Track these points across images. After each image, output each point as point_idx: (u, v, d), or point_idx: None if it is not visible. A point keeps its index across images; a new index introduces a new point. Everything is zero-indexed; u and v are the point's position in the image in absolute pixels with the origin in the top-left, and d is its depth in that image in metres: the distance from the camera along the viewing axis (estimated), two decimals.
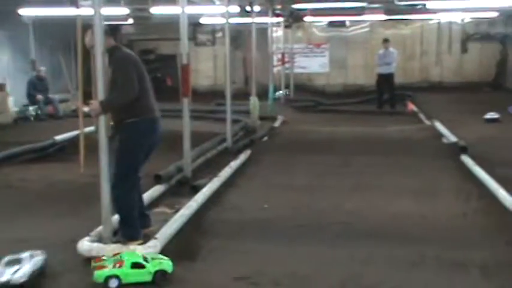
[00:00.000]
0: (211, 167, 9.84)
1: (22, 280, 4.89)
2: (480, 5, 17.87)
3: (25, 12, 17.16)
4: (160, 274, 5.08)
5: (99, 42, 5.54)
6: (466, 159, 10.00)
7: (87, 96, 6.23)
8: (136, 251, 5.48)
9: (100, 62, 5.56)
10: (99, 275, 4.97)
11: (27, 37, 18.26)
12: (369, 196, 8.09)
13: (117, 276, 4.96)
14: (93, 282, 5.01)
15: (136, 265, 5.04)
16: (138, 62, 6.12)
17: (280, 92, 20.74)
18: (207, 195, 7.86)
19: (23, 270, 4.97)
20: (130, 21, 21.03)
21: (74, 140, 10.69)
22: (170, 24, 14.93)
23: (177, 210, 7.07)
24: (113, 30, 6.09)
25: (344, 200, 7.92)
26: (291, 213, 7.32)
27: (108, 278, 4.95)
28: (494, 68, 24.01)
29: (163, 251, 5.68)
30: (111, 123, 5.99)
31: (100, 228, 5.86)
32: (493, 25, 23.94)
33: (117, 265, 5.02)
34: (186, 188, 8.45)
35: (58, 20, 16.82)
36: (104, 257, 5.25)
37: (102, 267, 5.03)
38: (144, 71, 6.13)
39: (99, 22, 5.54)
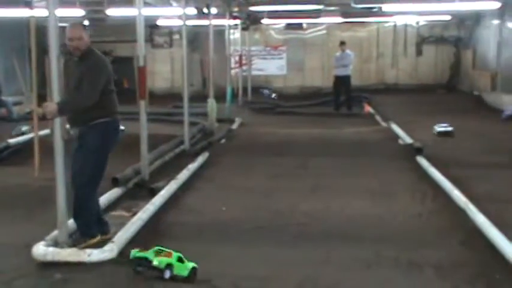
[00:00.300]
0: (169, 170, 9.78)
1: None
2: (434, 9, 18.15)
3: None
4: (194, 271, 5.26)
5: (53, 44, 5.46)
6: (422, 161, 10.14)
7: (42, 99, 6.14)
8: (92, 255, 5.44)
9: (55, 64, 5.48)
10: (161, 261, 5.07)
11: None
12: (326, 197, 8.14)
13: (172, 266, 5.11)
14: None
15: (180, 259, 5.21)
16: (109, 64, 6.13)
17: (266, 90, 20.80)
18: (165, 198, 7.82)
19: None
20: (86, 23, 20.79)
21: (28, 143, 10.54)
22: (127, 26, 14.81)
23: (134, 214, 7.01)
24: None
25: (302, 201, 7.96)
26: (249, 215, 7.32)
27: (168, 265, 5.09)
28: (448, 71, 24.41)
29: (121, 255, 5.63)
30: (69, 125, 6.00)
31: (56, 232, 5.78)
32: (447, 28, 24.34)
33: (167, 256, 5.16)
34: (143, 191, 8.38)
35: (11, 21, 16.54)
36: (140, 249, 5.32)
37: (167, 254, 5.17)
38: (112, 77, 6.14)
39: (54, 23, 5.47)
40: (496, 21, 19.55)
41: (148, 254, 5.16)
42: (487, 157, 10.79)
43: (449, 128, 13.39)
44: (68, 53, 6.03)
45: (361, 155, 11.28)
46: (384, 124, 15.50)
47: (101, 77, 5.89)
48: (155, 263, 5.06)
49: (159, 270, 5.05)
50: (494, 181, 8.99)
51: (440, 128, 13.51)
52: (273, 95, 22.15)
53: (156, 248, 5.26)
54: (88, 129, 5.98)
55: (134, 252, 5.26)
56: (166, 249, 5.24)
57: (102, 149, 6.07)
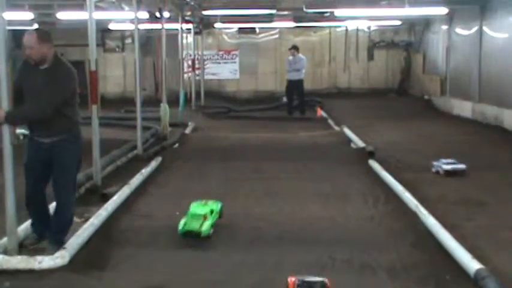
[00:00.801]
0: (121, 175, 9.70)
1: None
2: (385, 14, 18.39)
3: None
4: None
5: (1, 48, 5.37)
6: (374, 164, 10.25)
7: None
8: (43, 262, 5.38)
9: (3, 69, 5.39)
10: (207, 229, 6.44)
11: None
12: (280, 201, 8.17)
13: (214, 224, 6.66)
14: None
15: (211, 211, 6.75)
16: (76, 79, 5.94)
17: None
18: (118, 204, 7.75)
19: None
20: (36, 26, 20.50)
21: None
22: (78, 30, 14.66)
23: (86, 220, 6.93)
24: (52, 39, 5.89)
25: (255, 205, 7.97)
26: None
27: (212, 227, 6.57)
28: (399, 75, 24.76)
29: (72, 261, 5.56)
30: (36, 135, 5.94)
31: (5, 239, 5.67)
32: (398, 33, 24.71)
33: (206, 219, 6.53)
34: (95, 196, 8.29)
35: None
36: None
37: (205, 217, 6.54)
38: (77, 88, 5.99)
39: (2, 27, 5.38)
40: (444, 27, 19.91)
41: (193, 224, 6.38)
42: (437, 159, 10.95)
43: (460, 166, 9.74)
44: (32, 60, 5.81)
45: (315, 158, 11.34)
46: (336, 128, 15.63)
47: (64, 91, 5.76)
48: (204, 234, 6.33)
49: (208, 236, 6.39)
50: (444, 184, 9.15)
51: (446, 165, 9.74)
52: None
53: (191, 212, 6.55)
54: (61, 143, 5.91)
55: (181, 229, 6.41)
56: (201, 212, 6.51)
57: (78, 162, 6.16)
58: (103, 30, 22.06)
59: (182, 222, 6.49)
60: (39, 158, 5.91)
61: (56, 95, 5.65)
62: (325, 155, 11.72)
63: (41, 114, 5.65)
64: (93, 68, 8.78)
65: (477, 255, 5.53)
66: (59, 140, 5.87)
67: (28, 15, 16.81)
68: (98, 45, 9.60)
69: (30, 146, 6.01)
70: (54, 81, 5.66)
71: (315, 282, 4.82)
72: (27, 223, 6.31)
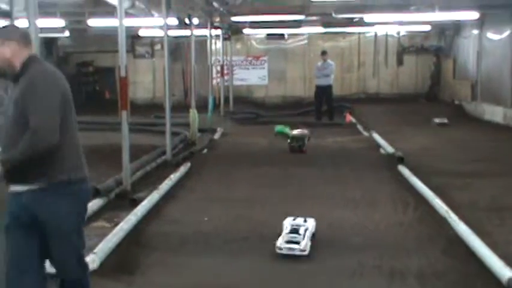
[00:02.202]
0: (151, 180, 9.76)
1: None
2: (415, 19, 18.28)
3: None
4: None
5: None
6: (403, 170, 10.19)
7: None
8: None
9: None
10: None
11: None
12: (310, 207, 8.14)
13: None
14: None
15: None
16: (67, 88, 4.02)
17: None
18: (147, 209, 7.79)
19: None
20: (67, 33, 20.75)
21: None
22: (108, 37, 14.80)
23: (116, 224, 6.98)
24: (25, 37, 4.07)
25: (285, 211, 7.95)
26: (231, 226, 7.31)
27: None
28: (429, 80, 24.57)
29: (102, 266, 5.60)
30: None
31: None
32: (427, 38, 24.52)
33: None
34: (125, 201, 8.35)
35: None
36: None
37: None
38: (72, 105, 4.06)
39: (35, 35, 5.45)
40: (475, 31, 19.73)
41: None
42: (468, 166, 10.86)
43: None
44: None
45: (343, 164, 11.31)
46: (365, 133, 15.56)
47: (53, 95, 3.84)
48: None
49: None
50: (475, 190, 9.06)
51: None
52: None
53: None
54: (43, 199, 3.90)
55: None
56: None
57: (78, 224, 4.12)
58: (133, 37, 22.23)
59: None
60: (19, 220, 3.96)
61: (46, 101, 3.80)
62: (354, 161, 11.68)
63: (50, 134, 3.77)
64: (123, 74, 8.85)
65: (509, 262, 5.46)
66: (40, 190, 3.89)
67: (59, 23, 17.00)
68: (127, 51, 9.69)
69: (10, 198, 4.02)
70: (32, 91, 3.79)
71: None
72: None
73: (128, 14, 10.66)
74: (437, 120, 16.53)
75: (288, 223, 6.53)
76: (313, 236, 6.41)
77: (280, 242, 6.14)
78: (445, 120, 16.14)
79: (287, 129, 14.79)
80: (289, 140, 12.80)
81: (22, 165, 3.78)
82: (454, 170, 10.28)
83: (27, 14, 5.49)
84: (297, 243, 6.08)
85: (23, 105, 3.77)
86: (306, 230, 6.34)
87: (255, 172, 10.72)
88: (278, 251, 6.07)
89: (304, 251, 6.02)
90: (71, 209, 3.96)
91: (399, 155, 11.17)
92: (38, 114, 3.73)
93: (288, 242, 6.12)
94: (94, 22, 16.88)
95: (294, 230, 6.31)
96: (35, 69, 3.89)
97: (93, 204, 7.82)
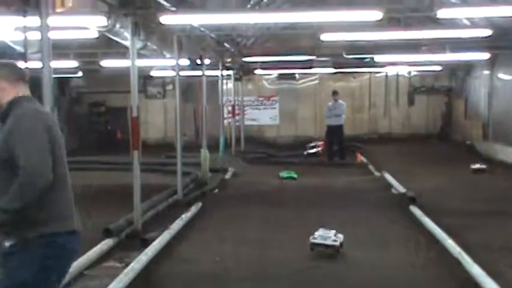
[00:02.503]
0: (162, 220, 9.75)
1: None
2: (426, 59, 18.38)
3: None
4: None
5: (48, 96, 5.50)
6: (415, 210, 10.13)
7: None
8: None
9: None
10: None
11: None
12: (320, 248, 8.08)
13: None
14: None
15: None
16: (54, 128, 3.67)
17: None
18: (158, 249, 7.76)
19: None
20: (80, 74, 20.95)
21: None
22: (120, 77, 14.90)
23: (126, 265, 6.96)
24: (15, 74, 3.77)
25: (295, 252, 7.91)
26: (243, 266, 7.27)
27: None
28: (440, 120, 24.58)
29: None
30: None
31: None
32: (439, 78, 24.59)
33: None
34: (136, 241, 8.33)
35: None
36: None
37: None
38: (63, 147, 3.72)
39: (48, 75, 5.51)
40: (486, 72, 19.77)
41: None
42: (480, 206, 10.79)
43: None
44: None
45: (355, 204, 11.26)
46: (377, 173, 15.52)
47: (39, 132, 3.53)
48: None
49: None
50: (488, 230, 8.98)
51: None
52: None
53: None
54: (13, 249, 3.54)
55: None
56: None
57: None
58: (145, 77, 22.42)
59: None
60: None
61: (33, 138, 3.52)
62: (365, 201, 11.63)
63: (36, 176, 3.45)
64: (134, 114, 8.91)
65: None
66: (9, 246, 3.56)
67: (73, 63, 17.20)
68: (139, 91, 9.77)
69: None
70: (18, 130, 3.53)
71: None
72: None
73: (140, 55, 10.78)
74: (475, 166, 15.56)
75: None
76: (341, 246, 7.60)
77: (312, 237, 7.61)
78: (484, 166, 15.49)
79: (293, 174, 15.12)
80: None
81: (7, 213, 3.44)
82: (466, 210, 10.21)
83: (41, 55, 5.56)
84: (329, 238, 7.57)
85: (10, 145, 3.49)
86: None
87: (266, 212, 10.68)
88: (312, 240, 7.57)
89: (336, 241, 7.47)
90: (30, 269, 3.47)
91: (411, 195, 11.12)
92: (26, 152, 3.44)
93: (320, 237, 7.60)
94: (107, 63, 17.07)
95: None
96: (21, 107, 3.63)
97: (104, 245, 7.82)
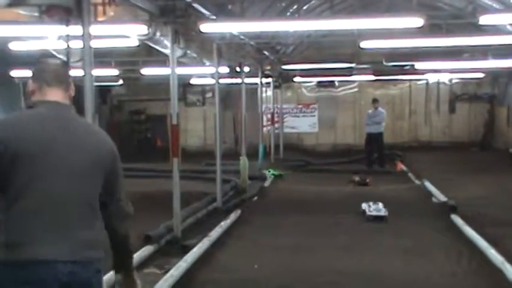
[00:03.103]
0: (201, 227, 9.80)
1: None
2: (467, 66, 18.16)
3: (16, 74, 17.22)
4: None
5: (89, 103, 5.57)
6: (456, 219, 10.00)
7: None
8: None
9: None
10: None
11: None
12: (359, 256, 8.05)
13: None
14: None
15: None
16: (19, 136, 3.05)
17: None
18: (197, 256, 7.81)
19: None
20: (121, 82, 21.20)
21: None
22: (160, 85, 15.05)
23: (166, 271, 7.01)
24: (41, 79, 3.28)
25: (334, 260, 7.88)
26: (281, 273, 7.26)
27: None
28: (482, 128, 24.22)
29: None
30: None
31: None
32: (481, 85, 24.25)
33: None
34: (176, 248, 8.39)
35: None
36: None
37: None
38: (43, 158, 3.07)
39: (90, 83, 5.59)
40: None
41: None
42: None
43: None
44: None
45: (394, 213, 11.15)
46: (417, 182, 15.37)
47: None
48: None
49: None
50: None
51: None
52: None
53: None
54: None
55: None
56: None
57: None
58: (184, 85, 22.56)
59: None
60: None
61: None
62: (405, 209, 11.51)
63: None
64: (174, 121, 8.98)
65: None
66: None
67: (114, 72, 17.40)
68: (179, 99, 9.86)
69: None
70: None
71: None
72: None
73: (179, 63, 10.86)
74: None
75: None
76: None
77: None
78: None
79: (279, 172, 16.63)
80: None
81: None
82: (509, 219, 10.03)
83: (83, 64, 5.64)
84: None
85: None
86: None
87: (305, 220, 10.65)
88: (368, 213, 10.35)
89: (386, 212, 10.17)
90: None
91: (452, 204, 10.98)
92: None
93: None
94: (147, 71, 17.24)
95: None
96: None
97: (144, 251, 7.89)
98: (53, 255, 2.96)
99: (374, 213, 10.54)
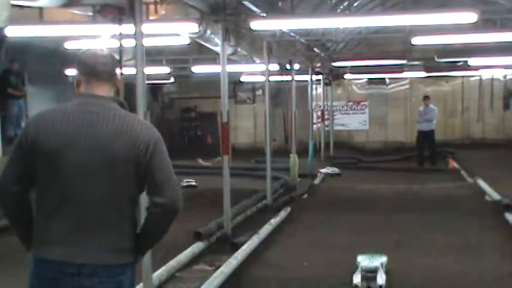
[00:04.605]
0: (251, 224, 9.82)
1: None
2: None
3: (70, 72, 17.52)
4: None
5: (141, 100, 5.62)
6: (511, 218, 9.81)
7: None
8: None
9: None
10: None
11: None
12: (411, 254, 7.95)
13: None
14: None
15: None
16: (41, 136, 2.98)
17: None
18: (247, 253, 7.83)
19: None
20: (172, 80, 21.39)
21: None
22: (211, 83, 15.13)
23: (216, 268, 7.05)
24: (85, 72, 3.16)
25: None
26: (331, 271, 7.22)
27: None
28: None
29: None
30: None
31: (141, 285, 5.85)
32: None
33: None
34: (226, 245, 8.43)
35: None
36: None
37: None
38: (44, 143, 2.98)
39: (142, 81, 5.65)
40: None
41: None
42: None
43: None
44: None
45: (446, 211, 11.00)
46: (469, 180, 15.13)
47: (16, 141, 3.08)
48: None
49: None
50: None
51: None
52: None
53: None
54: None
55: None
56: None
57: None
58: (235, 83, 22.64)
59: None
60: None
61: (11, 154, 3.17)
62: (457, 207, 11.34)
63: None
64: (224, 119, 9.02)
65: None
66: None
67: (165, 70, 17.58)
68: (229, 97, 9.89)
69: None
70: None
71: None
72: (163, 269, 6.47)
73: (230, 61, 10.91)
74: None
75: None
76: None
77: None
78: None
79: None
80: None
81: None
82: None
83: (135, 62, 5.71)
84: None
85: None
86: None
87: (355, 218, 10.58)
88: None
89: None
90: None
91: (506, 203, 10.77)
92: None
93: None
94: (198, 69, 17.37)
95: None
96: None
97: (195, 248, 7.95)
98: (69, 257, 2.91)
99: None
